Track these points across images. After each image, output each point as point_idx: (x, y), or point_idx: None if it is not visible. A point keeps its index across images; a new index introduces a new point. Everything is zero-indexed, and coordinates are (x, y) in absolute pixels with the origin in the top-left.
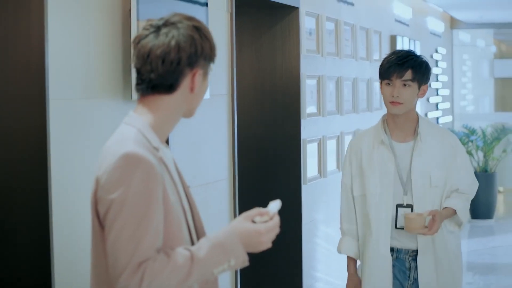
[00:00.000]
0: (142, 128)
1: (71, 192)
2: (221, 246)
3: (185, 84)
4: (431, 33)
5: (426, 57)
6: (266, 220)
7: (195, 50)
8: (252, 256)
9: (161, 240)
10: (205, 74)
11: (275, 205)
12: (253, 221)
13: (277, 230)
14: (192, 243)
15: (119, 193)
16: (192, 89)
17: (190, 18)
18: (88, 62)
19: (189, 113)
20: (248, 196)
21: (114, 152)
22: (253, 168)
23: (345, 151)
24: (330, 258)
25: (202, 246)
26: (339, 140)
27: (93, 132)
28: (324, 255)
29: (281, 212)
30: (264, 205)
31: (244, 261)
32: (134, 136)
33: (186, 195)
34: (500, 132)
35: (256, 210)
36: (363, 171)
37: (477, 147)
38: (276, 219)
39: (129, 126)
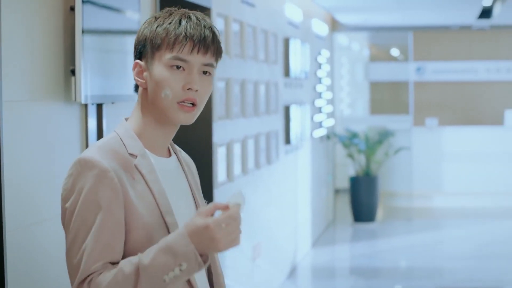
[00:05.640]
0: (124, 133)
1: (24, 196)
2: (168, 249)
3: None
4: (315, 35)
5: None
6: None
7: (138, 40)
8: None
9: (115, 251)
10: (150, 66)
11: (234, 197)
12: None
13: (234, 223)
14: None
15: (71, 202)
16: (140, 84)
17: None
18: (32, 62)
19: (166, 118)
20: None
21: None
22: None
23: None
24: (239, 264)
25: (149, 252)
26: (243, 144)
27: (38, 135)
28: (233, 260)
29: None
30: None
31: (199, 264)
32: (103, 142)
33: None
34: (382, 135)
35: (212, 205)
36: None
37: (359, 150)
38: (231, 211)
39: (113, 132)
